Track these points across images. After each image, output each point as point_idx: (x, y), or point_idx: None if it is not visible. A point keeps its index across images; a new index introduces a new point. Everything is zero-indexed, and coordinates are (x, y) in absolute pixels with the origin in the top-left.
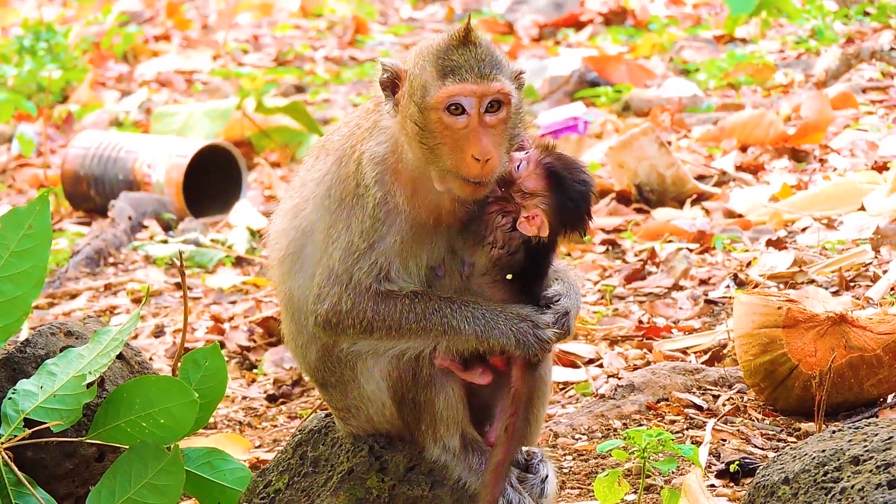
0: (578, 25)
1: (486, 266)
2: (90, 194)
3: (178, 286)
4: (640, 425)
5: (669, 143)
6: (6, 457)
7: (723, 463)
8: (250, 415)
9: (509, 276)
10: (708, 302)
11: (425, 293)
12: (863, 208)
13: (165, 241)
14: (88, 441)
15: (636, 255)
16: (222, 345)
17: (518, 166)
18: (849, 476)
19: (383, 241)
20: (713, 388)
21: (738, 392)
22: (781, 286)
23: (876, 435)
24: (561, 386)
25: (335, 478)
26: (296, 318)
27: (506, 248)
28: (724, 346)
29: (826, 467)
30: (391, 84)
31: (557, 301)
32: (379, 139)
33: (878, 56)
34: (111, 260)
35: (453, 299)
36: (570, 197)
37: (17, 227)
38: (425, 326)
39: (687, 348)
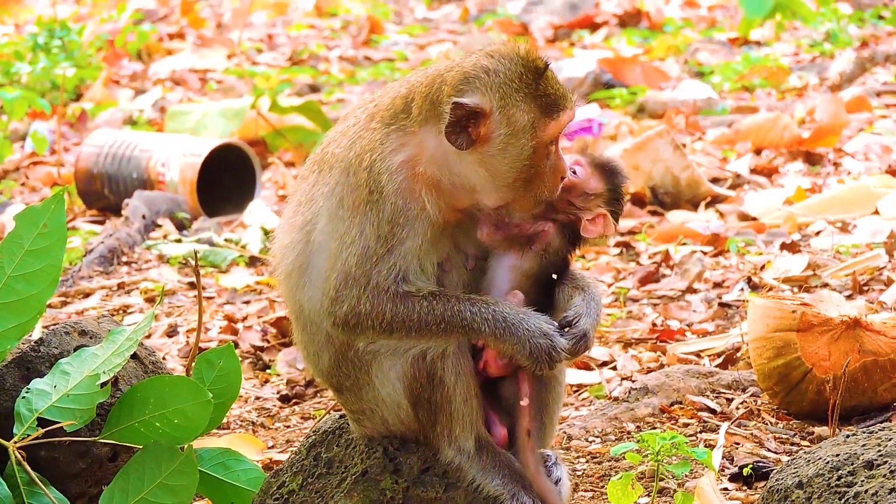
0: (593, 27)
1: (532, 268)
2: (104, 193)
3: (192, 286)
4: (654, 428)
5: (684, 145)
6: (19, 456)
7: (736, 466)
8: (263, 415)
9: (555, 276)
10: (722, 305)
11: (443, 293)
12: (877, 212)
13: (179, 241)
14: (102, 441)
15: (650, 258)
16: (235, 345)
17: (574, 172)
18: (862, 480)
19: (402, 245)
20: (727, 391)
21: (751, 395)
22: (795, 290)
23: (890, 440)
24: (574, 388)
25: (349, 479)
26: (307, 328)
27: (557, 251)
28: (738, 349)
29: (840, 472)
30: (466, 120)
31: (577, 322)
32: (393, 148)
33: (893, 59)
34: (125, 259)
35: (473, 300)
36: (618, 188)
37: (32, 226)
38: (445, 328)
39: (701, 351)
